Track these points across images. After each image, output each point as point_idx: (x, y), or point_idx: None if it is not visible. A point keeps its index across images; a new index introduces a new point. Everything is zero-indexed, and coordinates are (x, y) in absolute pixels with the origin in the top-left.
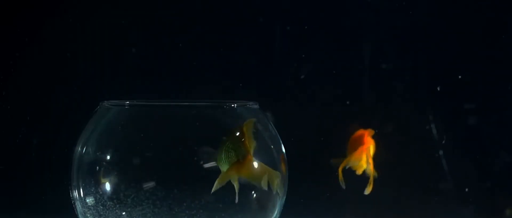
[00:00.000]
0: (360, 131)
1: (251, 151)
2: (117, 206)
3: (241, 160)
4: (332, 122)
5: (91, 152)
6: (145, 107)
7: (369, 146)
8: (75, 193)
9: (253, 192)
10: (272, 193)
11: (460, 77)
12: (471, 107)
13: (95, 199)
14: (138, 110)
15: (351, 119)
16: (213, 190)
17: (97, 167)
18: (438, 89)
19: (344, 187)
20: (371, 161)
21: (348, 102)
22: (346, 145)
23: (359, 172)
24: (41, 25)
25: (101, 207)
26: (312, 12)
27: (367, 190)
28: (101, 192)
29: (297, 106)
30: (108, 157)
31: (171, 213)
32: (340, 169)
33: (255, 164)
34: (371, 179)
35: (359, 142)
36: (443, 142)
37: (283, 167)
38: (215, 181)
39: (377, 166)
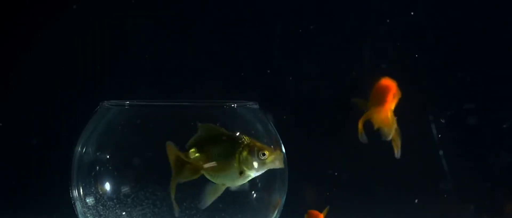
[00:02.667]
0: (386, 82)
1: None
2: (117, 206)
3: None
4: (332, 122)
5: (91, 152)
6: (145, 107)
7: (392, 105)
8: (75, 193)
9: (253, 192)
10: (272, 193)
11: (460, 77)
12: (471, 107)
13: (95, 199)
14: (138, 110)
15: (351, 119)
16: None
17: (97, 167)
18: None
19: (365, 141)
20: (391, 125)
21: (343, 104)
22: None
23: (376, 126)
24: (41, 25)
25: (101, 207)
26: (312, 12)
27: (396, 151)
28: (101, 192)
29: (297, 106)
30: (108, 157)
31: (171, 213)
32: (360, 123)
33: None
34: (398, 141)
35: (382, 98)
36: (441, 142)
37: (283, 167)
38: (214, 181)
39: (377, 166)
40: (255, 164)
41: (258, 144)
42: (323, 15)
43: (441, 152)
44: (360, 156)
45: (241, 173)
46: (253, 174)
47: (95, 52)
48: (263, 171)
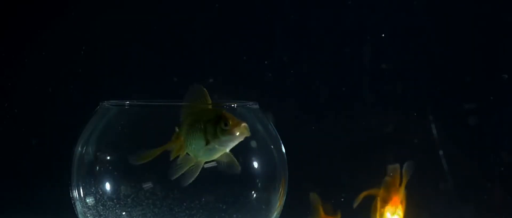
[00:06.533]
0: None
1: None
2: (117, 206)
3: None
4: (333, 122)
5: (91, 152)
6: (145, 107)
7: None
8: (75, 193)
9: (253, 192)
10: (272, 193)
11: (465, 77)
12: (471, 107)
13: (95, 199)
14: (138, 110)
15: (351, 119)
16: None
17: (97, 167)
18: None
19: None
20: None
21: (344, 102)
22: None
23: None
24: (41, 25)
25: (101, 207)
26: (312, 11)
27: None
28: (101, 192)
29: (297, 106)
30: (108, 157)
31: (171, 213)
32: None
33: None
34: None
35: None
36: (441, 142)
37: (283, 167)
38: (215, 181)
39: (377, 166)
40: (220, 133)
41: (227, 114)
42: (323, 14)
43: (441, 152)
44: (360, 156)
45: (207, 143)
46: (217, 145)
47: (95, 52)
48: (231, 144)
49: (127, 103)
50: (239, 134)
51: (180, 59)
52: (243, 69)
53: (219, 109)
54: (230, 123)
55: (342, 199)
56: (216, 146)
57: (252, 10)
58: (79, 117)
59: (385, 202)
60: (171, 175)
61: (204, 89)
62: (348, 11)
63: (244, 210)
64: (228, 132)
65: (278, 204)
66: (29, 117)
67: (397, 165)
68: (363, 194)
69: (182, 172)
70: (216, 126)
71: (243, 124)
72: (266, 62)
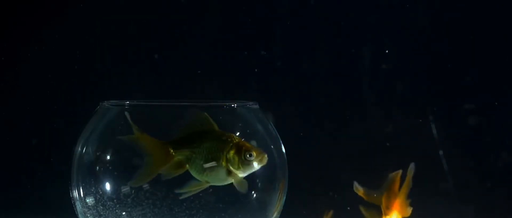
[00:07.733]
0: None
1: None
2: (117, 206)
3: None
4: (333, 122)
5: (91, 152)
6: (145, 107)
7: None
8: (75, 193)
9: (253, 192)
10: (272, 194)
11: (465, 77)
12: (471, 107)
13: (95, 199)
14: (138, 110)
15: (351, 119)
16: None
17: (97, 167)
18: None
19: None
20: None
21: (337, 102)
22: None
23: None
24: (41, 25)
25: (101, 207)
26: (313, 11)
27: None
28: (101, 192)
29: (297, 106)
30: (108, 157)
31: (171, 213)
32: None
33: None
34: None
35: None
36: (441, 142)
37: (283, 167)
38: (199, 179)
39: (377, 166)
40: (242, 164)
41: (247, 144)
42: (323, 14)
43: (441, 152)
44: (360, 156)
45: (229, 173)
46: (240, 174)
47: (95, 52)
48: (249, 172)
49: (127, 103)
50: (263, 163)
51: (180, 59)
52: (243, 69)
53: (229, 135)
54: (255, 154)
55: (348, 208)
56: (239, 175)
57: (252, 10)
58: (79, 117)
59: (388, 209)
60: (181, 196)
61: (206, 113)
62: (348, 11)
63: (244, 210)
64: (254, 163)
65: (278, 204)
66: (29, 117)
67: (396, 174)
68: (365, 197)
69: (192, 194)
70: (238, 157)
71: (265, 155)
72: (265, 62)
